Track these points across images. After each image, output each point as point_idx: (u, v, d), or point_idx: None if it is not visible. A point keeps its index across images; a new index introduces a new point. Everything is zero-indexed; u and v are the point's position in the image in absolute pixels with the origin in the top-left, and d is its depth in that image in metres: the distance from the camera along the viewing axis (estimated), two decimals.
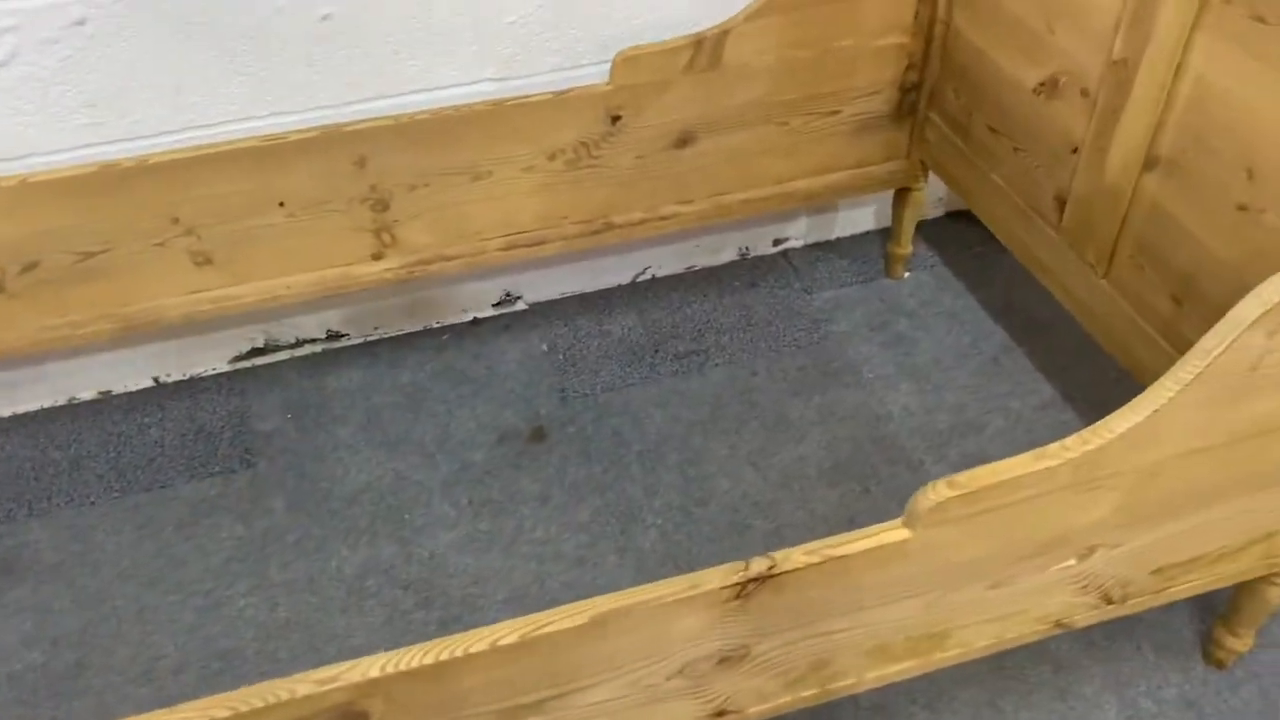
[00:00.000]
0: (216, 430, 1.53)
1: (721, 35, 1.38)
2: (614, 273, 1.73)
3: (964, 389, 1.57)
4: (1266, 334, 0.84)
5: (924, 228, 1.82)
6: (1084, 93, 1.22)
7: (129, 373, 1.58)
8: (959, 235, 1.82)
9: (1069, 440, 0.86)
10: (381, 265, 1.43)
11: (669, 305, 1.71)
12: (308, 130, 1.30)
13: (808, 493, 1.44)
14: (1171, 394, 0.84)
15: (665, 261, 1.75)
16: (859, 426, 1.52)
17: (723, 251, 1.77)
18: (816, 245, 1.81)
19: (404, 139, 1.34)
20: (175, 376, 1.60)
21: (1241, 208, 1.05)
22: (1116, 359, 1.27)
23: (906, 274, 1.75)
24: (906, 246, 1.71)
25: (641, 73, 1.38)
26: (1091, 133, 1.21)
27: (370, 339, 1.65)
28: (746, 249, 1.79)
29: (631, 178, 1.47)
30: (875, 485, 1.45)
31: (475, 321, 1.69)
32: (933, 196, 1.84)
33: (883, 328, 1.67)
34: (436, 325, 1.68)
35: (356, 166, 1.34)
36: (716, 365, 1.61)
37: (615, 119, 1.41)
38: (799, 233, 1.80)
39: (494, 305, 1.70)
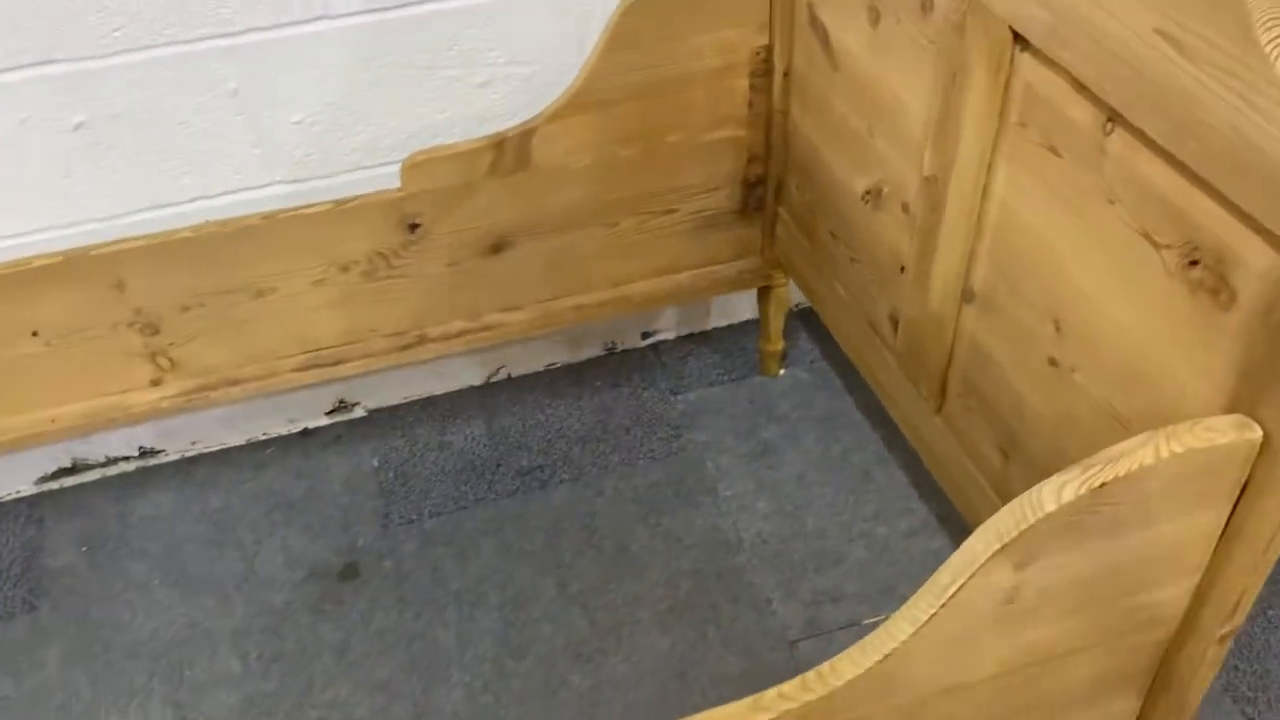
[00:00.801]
0: (4, 566, 1.40)
1: (525, 135, 1.23)
2: (466, 372, 1.59)
3: (828, 510, 1.41)
4: (1013, 567, 0.68)
5: (809, 317, 1.66)
6: (905, 207, 1.06)
7: None
8: None
9: (787, 686, 0.71)
10: (160, 393, 1.29)
11: (521, 410, 1.56)
12: (52, 256, 1.17)
13: (637, 640, 1.28)
14: (905, 636, 0.69)
15: (522, 359, 1.60)
16: (705, 557, 1.36)
17: (586, 346, 1.63)
18: (689, 337, 1.66)
19: (165, 258, 1.20)
20: None
21: (1052, 362, 0.89)
22: (954, 502, 1.11)
23: (782, 371, 1.59)
24: (777, 343, 1.55)
25: (437, 177, 1.23)
26: (914, 252, 1.06)
27: (187, 455, 1.52)
28: (613, 343, 1.64)
29: (444, 287, 1.32)
30: (713, 630, 1.29)
31: (305, 433, 1.55)
32: None
33: (748, 435, 1.51)
34: (262, 437, 1.54)
35: (115, 290, 1.21)
36: (561, 483, 1.46)
37: (414, 226, 1.26)
38: (669, 325, 1.64)
39: (327, 414, 1.56)
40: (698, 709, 0.71)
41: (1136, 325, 0.78)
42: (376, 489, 1.47)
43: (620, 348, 1.64)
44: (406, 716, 1.23)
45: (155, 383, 1.29)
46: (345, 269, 1.27)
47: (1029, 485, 0.72)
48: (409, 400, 1.58)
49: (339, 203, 1.23)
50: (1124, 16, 0.70)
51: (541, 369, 1.62)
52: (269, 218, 1.21)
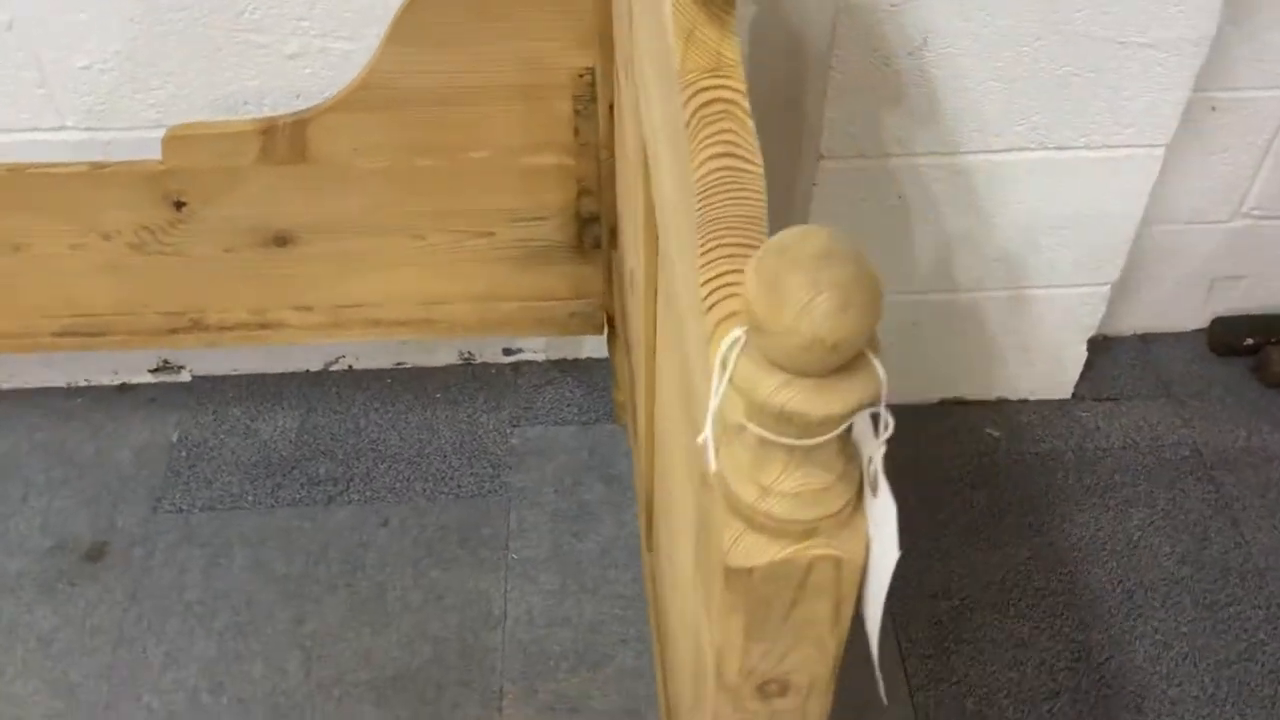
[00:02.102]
0: None
1: (299, 125, 1.07)
2: (305, 355, 1.46)
3: (614, 599, 1.23)
4: None
5: None
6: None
7: None
8: None
9: None
10: None
11: (345, 409, 1.42)
12: None
13: (343, 708, 1.15)
14: None
15: (370, 352, 1.47)
16: (460, 625, 1.21)
17: (441, 352, 1.47)
18: (557, 363, 1.48)
19: None
20: None
21: None
22: None
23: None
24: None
25: (199, 156, 1.09)
26: None
27: (5, 387, 1.45)
28: (471, 355, 1.48)
29: (224, 273, 1.19)
30: (428, 717, 1.14)
31: (123, 388, 1.45)
32: None
33: (570, 491, 1.34)
34: (82, 384, 1.46)
35: None
36: (349, 503, 1.33)
37: (179, 204, 1.13)
38: (537, 345, 1.47)
39: (151, 370, 1.46)
40: None
41: None
42: (163, 466, 1.37)
43: (478, 359, 1.48)
44: None
45: None
46: (107, 237, 1.15)
47: None
48: (236, 374, 1.46)
49: (96, 165, 1.11)
50: None
51: (388, 366, 1.48)
52: (14, 170, 1.10)
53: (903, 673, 1.19)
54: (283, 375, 1.46)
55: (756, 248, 0.45)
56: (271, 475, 1.36)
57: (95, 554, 1.28)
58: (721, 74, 0.45)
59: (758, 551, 0.40)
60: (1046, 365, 1.41)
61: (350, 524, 1.31)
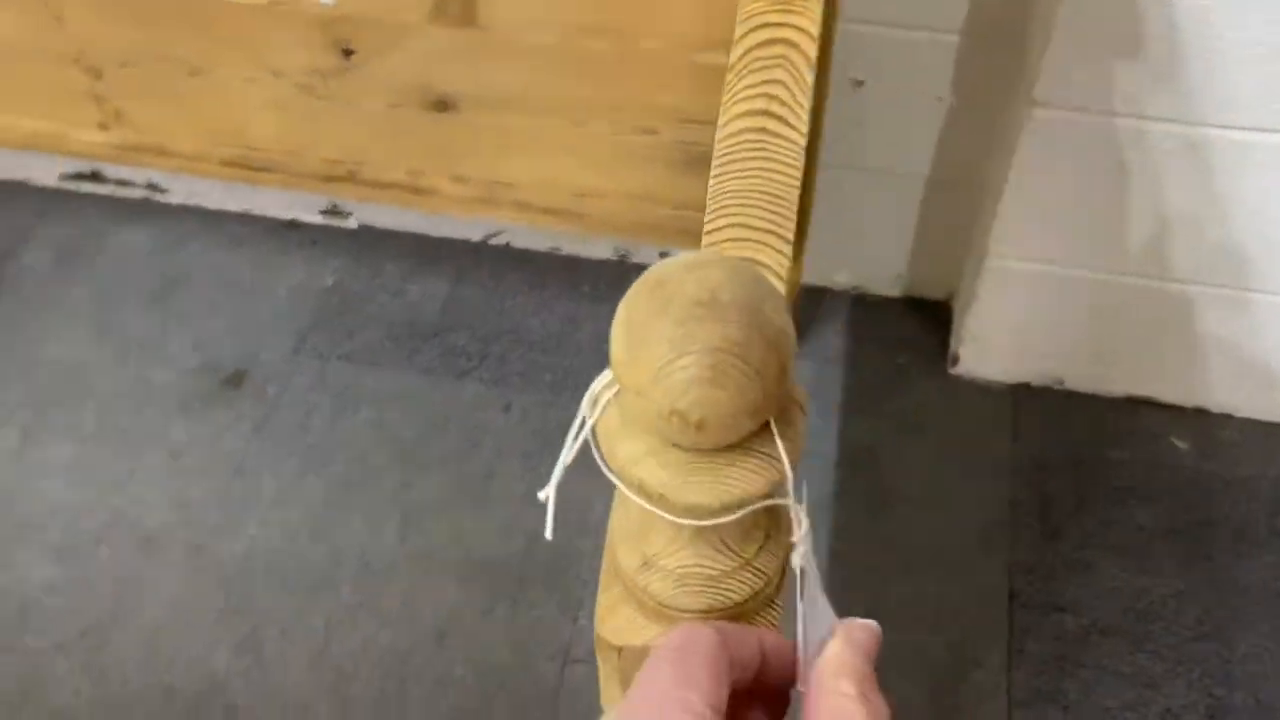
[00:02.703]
0: None
1: None
2: (466, 225, 1.44)
3: None
4: None
5: (824, 301, 1.36)
6: None
7: None
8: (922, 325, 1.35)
9: None
10: (104, 138, 1.25)
11: (495, 285, 1.40)
12: None
13: (426, 580, 1.15)
14: None
15: (527, 232, 1.43)
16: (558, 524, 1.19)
17: (598, 245, 1.42)
18: None
19: (100, 2, 1.13)
20: (11, 176, 1.53)
21: None
22: None
23: None
24: None
25: (372, 5, 1.06)
26: None
27: (186, 202, 1.50)
28: (626, 253, 1.42)
29: (385, 130, 1.17)
30: (503, 608, 1.13)
31: (292, 224, 1.48)
32: (889, 273, 1.36)
33: None
34: (256, 214, 1.49)
35: (55, 21, 1.16)
36: (478, 380, 1.31)
37: (348, 52, 1.10)
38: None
39: (321, 212, 1.47)
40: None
41: None
42: (313, 309, 1.39)
43: (632, 259, 1.42)
44: (189, 544, 1.18)
45: (103, 127, 1.25)
46: (278, 75, 1.14)
47: None
48: (399, 230, 1.46)
49: (273, 2, 1.09)
50: None
51: (544, 249, 1.44)
52: None
53: (1006, 684, 1.08)
54: (442, 240, 1.45)
55: (778, 235, 0.37)
56: (412, 338, 1.36)
57: (234, 381, 1.32)
58: (792, 7, 0.36)
59: (631, 630, 0.32)
60: (1260, 381, 1.23)
61: (474, 402, 1.30)
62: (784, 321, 0.26)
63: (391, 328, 1.37)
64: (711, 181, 0.37)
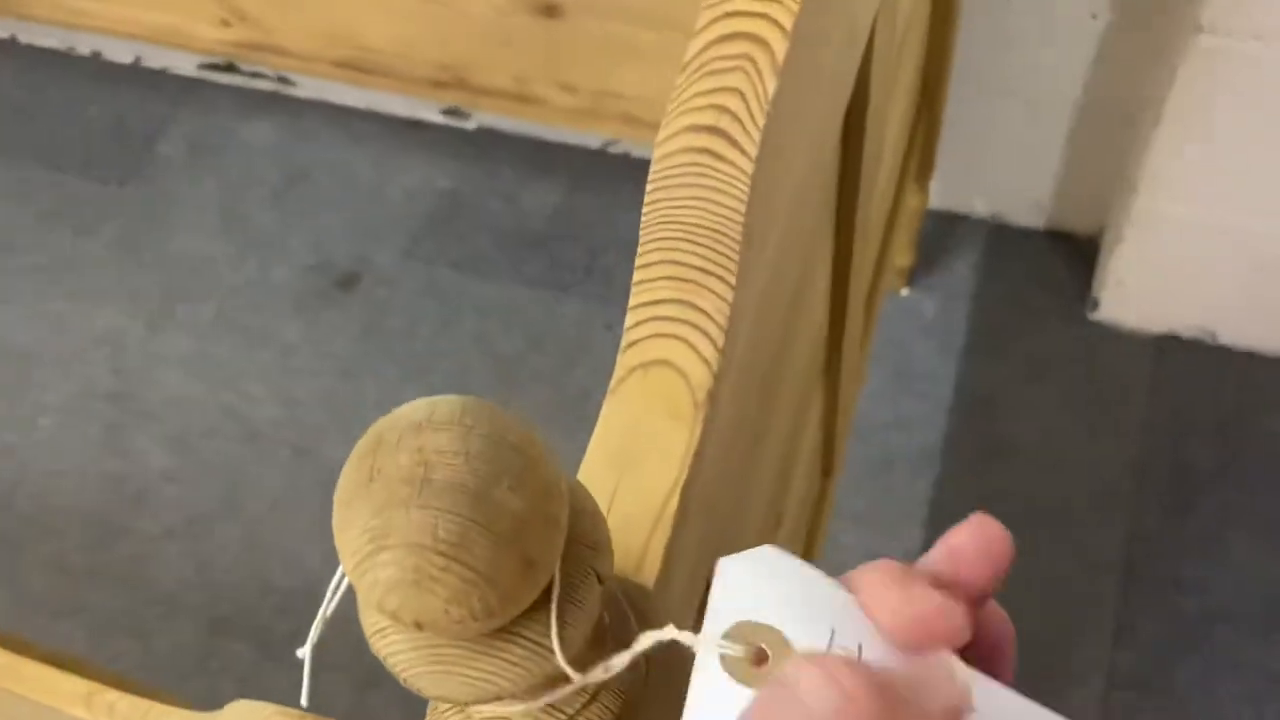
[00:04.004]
0: (128, 132, 1.50)
1: None
2: (585, 131, 1.39)
3: None
4: None
5: (957, 228, 1.25)
6: None
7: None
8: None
9: None
10: (222, 35, 1.25)
11: (610, 196, 1.35)
12: None
13: None
14: None
15: (645, 144, 1.37)
16: None
17: None
18: None
19: None
20: (151, 64, 1.56)
21: None
22: None
23: (905, 290, 1.23)
24: (902, 255, 1.18)
25: None
26: None
27: (313, 98, 1.49)
28: None
29: (493, 33, 1.12)
30: None
31: (414, 123, 1.46)
32: (1030, 201, 1.24)
33: None
34: (379, 111, 1.47)
35: None
36: (583, 296, 1.28)
37: None
38: None
39: (442, 112, 1.45)
40: None
41: None
42: (427, 212, 1.37)
43: None
44: (294, 444, 1.22)
45: (224, 23, 1.25)
46: None
47: None
48: (517, 134, 1.42)
49: None
50: None
51: None
52: None
53: (1107, 664, 1.01)
54: (559, 145, 1.41)
55: (717, 276, 0.31)
56: (520, 247, 1.33)
57: (346, 283, 1.33)
58: None
59: None
60: None
61: (577, 318, 1.27)
62: (531, 503, 0.21)
63: (501, 236, 1.35)
64: (645, 207, 0.31)
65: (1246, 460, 1.11)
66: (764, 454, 0.49)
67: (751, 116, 0.30)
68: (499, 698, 0.22)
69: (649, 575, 0.27)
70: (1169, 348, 1.17)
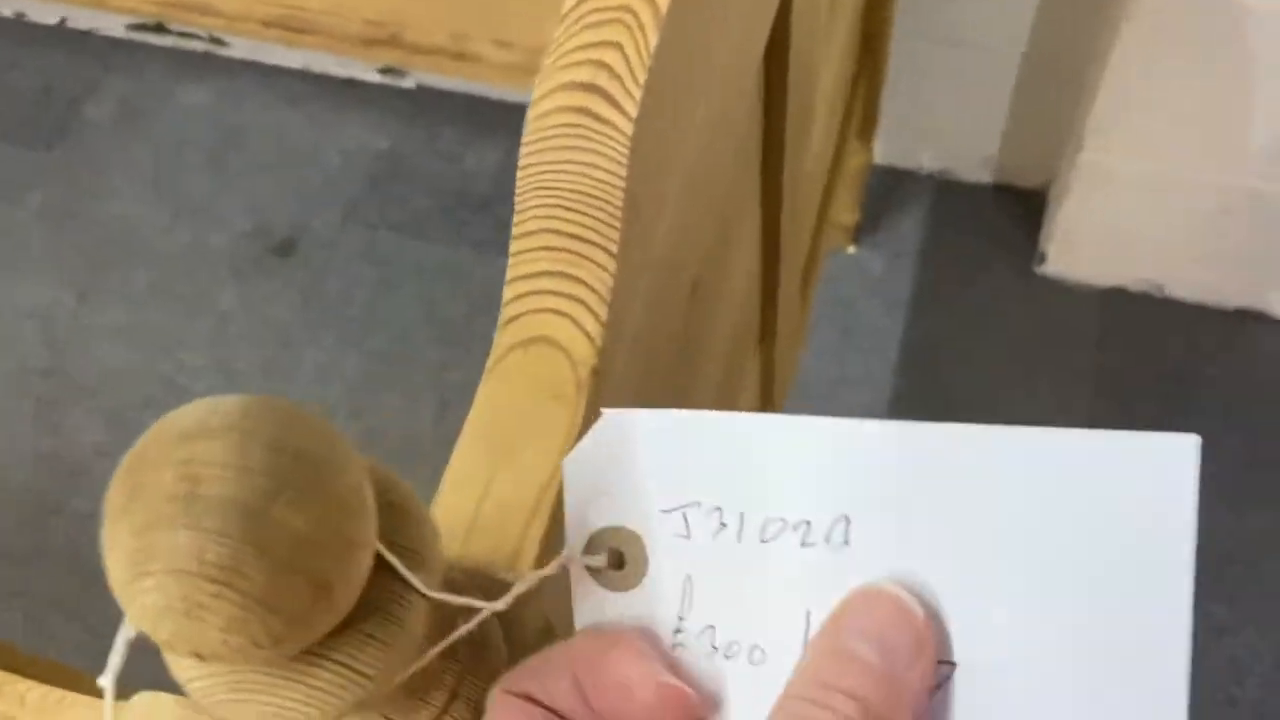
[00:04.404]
0: (56, 97, 1.45)
1: None
2: (526, 88, 1.35)
3: None
4: None
5: (905, 185, 1.24)
6: None
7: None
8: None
9: None
10: None
11: None
12: None
13: None
14: None
15: None
16: None
17: None
18: None
19: None
20: (78, 25, 1.50)
21: None
22: None
23: (852, 248, 1.22)
24: (846, 212, 1.17)
25: None
26: None
27: (247, 58, 1.45)
28: None
29: None
30: None
31: (351, 83, 1.42)
32: (979, 156, 1.23)
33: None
34: (315, 71, 1.43)
35: None
36: None
37: None
38: None
39: (379, 71, 1.41)
40: None
41: None
42: (366, 173, 1.34)
43: None
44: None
45: None
46: None
47: None
48: (458, 92, 1.38)
49: None
50: None
51: None
52: None
53: None
54: (500, 104, 1.37)
55: (598, 245, 0.29)
56: (463, 208, 1.30)
57: (284, 249, 1.30)
58: None
59: None
60: None
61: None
62: (319, 521, 0.19)
63: (442, 197, 1.32)
64: (519, 172, 0.29)
65: (1192, 413, 1.11)
66: None
67: (632, 73, 0.28)
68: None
69: (524, 570, 0.26)
70: (1116, 301, 1.17)
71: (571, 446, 0.26)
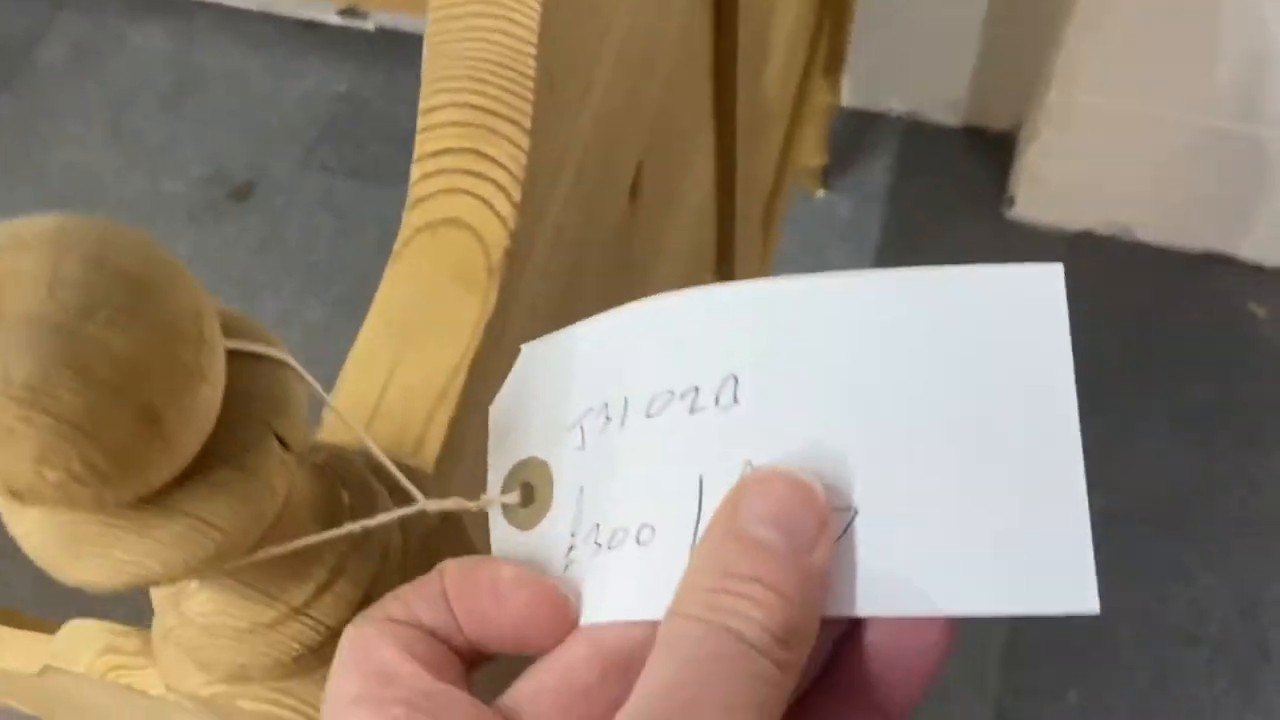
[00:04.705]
0: (1, 35, 1.40)
1: None
2: None
3: None
4: None
5: (876, 128, 1.22)
6: None
7: None
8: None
9: None
10: None
11: None
12: None
13: None
14: None
15: None
16: None
17: None
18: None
19: None
20: None
21: None
22: None
23: (821, 192, 1.20)
24: (813, 155, 1.15)
25: None
26: None
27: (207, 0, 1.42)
28: None
29: None
30: None
31: (310, 25, 1.38)
32: (947, 98, 1.21)
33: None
34: (274, 13, 1.39)
35: None
36: None
37: None
38: None
39: (339, 13, 1.37)
40: None
41: None
42: (325, 118, 1.31)
43: None
44: None
45: None
46: None
47: None
48: (418, 34, 1.35)
49: None
50: None
51: None
52: None
53: None
54: None
55: (510, 120, 0.28)
56: None
57: (241, 194, 1.27)
58: None
59: (178, 673, 0.24)
60: None
61: None
62: (145, 343, 0.17)
63: (403, 143, 1.27)
64: (427, 38, 0.28)
65: (1159, 356, 1.10)
66: None
67: None
68: (155, 582, 0.19)
69: (429, 456, 0.24)
70: (1085, 245, 1.16)
71: (481, 331, 0.25)
